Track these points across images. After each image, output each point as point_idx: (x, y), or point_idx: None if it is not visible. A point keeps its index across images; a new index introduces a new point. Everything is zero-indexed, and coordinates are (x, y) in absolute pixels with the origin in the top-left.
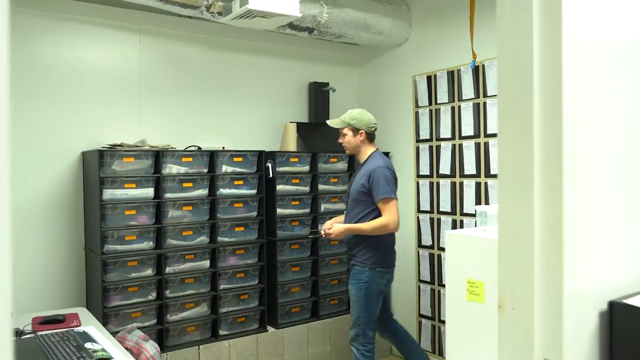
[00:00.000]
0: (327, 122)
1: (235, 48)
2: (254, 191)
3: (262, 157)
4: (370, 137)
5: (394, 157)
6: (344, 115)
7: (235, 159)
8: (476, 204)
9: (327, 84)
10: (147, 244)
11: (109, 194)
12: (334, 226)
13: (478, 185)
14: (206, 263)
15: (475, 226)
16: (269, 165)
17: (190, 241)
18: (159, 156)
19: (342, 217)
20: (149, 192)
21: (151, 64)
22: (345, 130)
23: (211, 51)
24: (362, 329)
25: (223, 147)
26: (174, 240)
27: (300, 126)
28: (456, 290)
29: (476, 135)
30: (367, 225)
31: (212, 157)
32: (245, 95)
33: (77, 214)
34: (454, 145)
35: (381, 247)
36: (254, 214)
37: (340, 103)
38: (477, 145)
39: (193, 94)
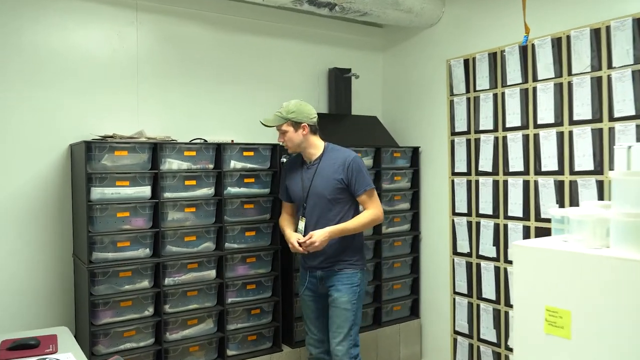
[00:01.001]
0: (262, 120)
1: (246, 29)
2: (267, 190)
3: (276, 151)
4: (314, 129)
5: (424, 153)
6: (279, 110)
7: (246, 154)
8: (524, 205)
9: (349, 70)
10: (143, 251)
11: (97, 193)
12: (314, 235)
13: (526, 184)
14: (212, 273)
15: (551, 234)
16: (284, 160)
17: (193, 248)
18: (157, 149)
19: (306, 226)
20: (145, 190)
21: (150, 45)
22: (285, 127)
23: (219, 31)
24: (353, 339)
25: (232, 140)
26: (174, 247)
27: (318, 117)
28: (529, 319)
29: (524, 126)
30: (355, 223)
31: (219, 151)
32: (257, 83)
33: (64, 216)
34: (496, 138)
35: (362, 244)
36: (267, 216)
37: (363, 92)
38: (525, 137)
39: (198, 81)
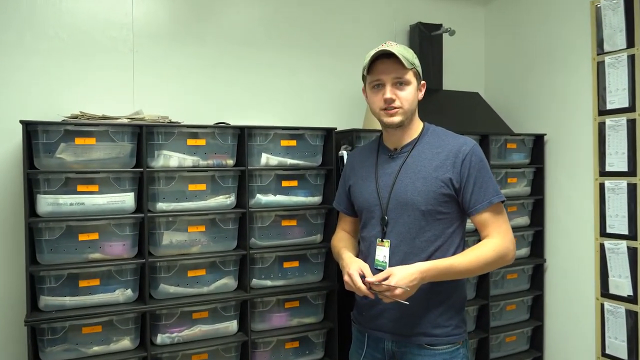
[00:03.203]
0: (386, 47)
1: None
2: (317, 198)
3: (331, 139)
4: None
5: (553, 143)
6: (399, 50)
7: (285, 143)
8: None
9: (440, 25)
10: (122, 294)
11: (47, 203)
12: (394, 274)
13: None
14: (231, 325)
15: None
16: (344, 153)
17: (202, 287)
18: (143, 137)
19: (381, 257)
20: (126, 199)
21: None
22: (410, 77)
23: None
24: None
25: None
26: (171, 287)
27: None
28: None
29: None
30: (468, 260)
31: (243, 139)
32: (303, 46)
33: (16, 233)
34: None
35: (465, 297)
36: (317, 237)
37: (458, 57)
38: None
39: (217, 45)
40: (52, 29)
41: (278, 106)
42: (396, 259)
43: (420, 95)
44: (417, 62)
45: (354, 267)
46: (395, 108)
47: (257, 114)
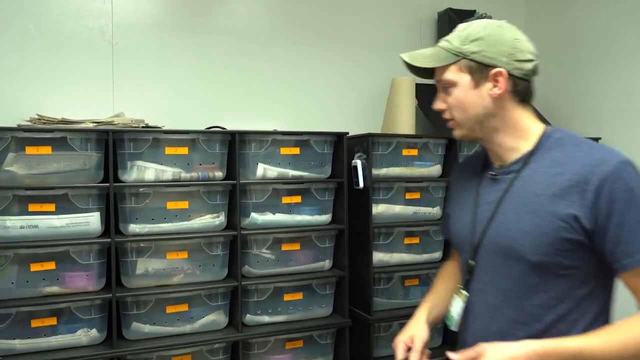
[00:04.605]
0: (405, 56)
1: None
2: (326, 217)
3: (343, 146)
4: (522, 90)
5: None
6: (446, 39)
7: (286, 151)
8: None
9: (474, 12)
10: (86, 336)
11: None
12: (487, 354)
13: None
14: None
15: None
16: (358, 162)
17: (184, 325)
18: (110, 145)
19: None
20: (90, 221)
21: None
22: (451, 73)
23: None
24: None
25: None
26: (146, 325)
27: (422, 89)
28: None
29: None
30: (612, 345)
31: (234, 146)
32: (309, 38)
33: None
34: None
35: None
36: (325, 263)
37: None
38: None
39: (211, 37)
40: (18, 20)
41: (280, 108)
42: (494, 329)
43: (494, 91)
44: (468, 46)
45: (403, 336)
46: (448, 120)
47: (256, 118)
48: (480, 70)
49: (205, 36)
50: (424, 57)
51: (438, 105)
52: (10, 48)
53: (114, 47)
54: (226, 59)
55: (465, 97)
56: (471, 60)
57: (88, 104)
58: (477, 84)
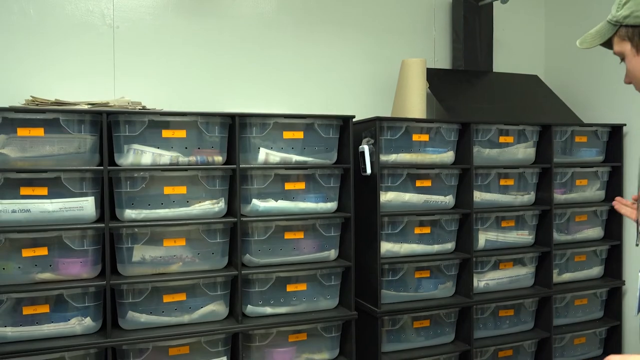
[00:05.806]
0: (577, 42)
1: None
2: (331, 205)
3: (349, 130)
4: None
5: (633, 136)
6: (613, 5)
7: (289, 135)
8: None
9: None
10: (79, 324)
11: None
12: None
13: None
14: None
15: None
16: (366, 147)
17: (181, 315)
18: (104, 127)
19: None
20: (85, 205)
21: None
22: (616, 46)
23: None
24: None
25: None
26: (143, 315)
27: (435, 73)
28: None
29: None
30: None
31: (234, 129)
32: (315, 17)
33: None
34: None
35: None
36: (330, 253)
37: (511, 32)
38: None
39: (216, 19)
40: (16, 3)
41: (286, 93)
42: None
43: None
44: (621, 11)
45: None
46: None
47: (262, 103)
48: (638, 34)
49: (210, 19)
50: (591, 36)
51: (625, 79)
52: (9, 31)
53: (115, 30)
54: (231, 43)
55: (632, 66)
56: (626, 25)
57: (89, 89)
58: (638, 49)
